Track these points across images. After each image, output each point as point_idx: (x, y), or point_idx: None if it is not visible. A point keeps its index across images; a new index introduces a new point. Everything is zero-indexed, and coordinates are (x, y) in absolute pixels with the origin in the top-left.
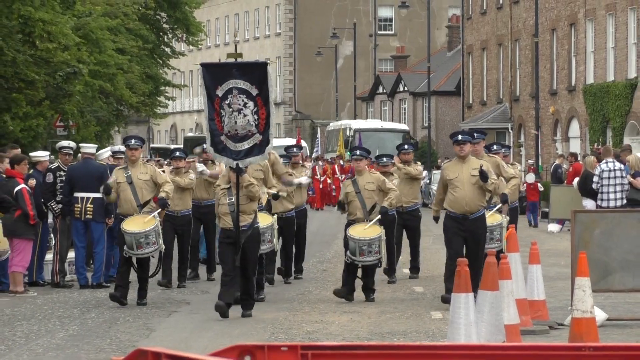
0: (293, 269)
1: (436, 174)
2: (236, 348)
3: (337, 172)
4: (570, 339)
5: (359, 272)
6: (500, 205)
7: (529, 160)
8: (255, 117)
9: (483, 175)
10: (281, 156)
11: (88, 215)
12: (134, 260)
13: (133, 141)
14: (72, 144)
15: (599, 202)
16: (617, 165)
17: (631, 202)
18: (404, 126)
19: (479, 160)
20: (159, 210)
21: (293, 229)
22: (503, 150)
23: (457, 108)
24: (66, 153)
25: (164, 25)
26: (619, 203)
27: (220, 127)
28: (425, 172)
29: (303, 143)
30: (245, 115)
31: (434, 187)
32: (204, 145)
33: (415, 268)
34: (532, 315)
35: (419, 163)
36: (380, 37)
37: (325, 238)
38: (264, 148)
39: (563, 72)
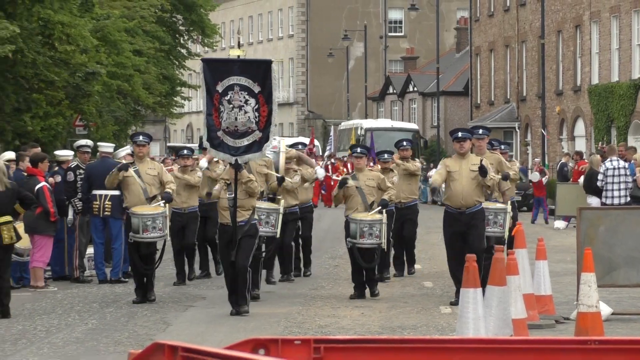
0: (294, 266)
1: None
2: (250, 342)
3: (349, 170)
4: (576, 332)
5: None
6: (500, 201)
7: (536, 159)
8: (256, 114)
9: (482, 171)
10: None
11: (106, 212)
12: (139, 258)
13: (141, 137)
14: (90, 142)
15: (603, 200)
16: (622, 163)
17: (636, 200)
18: (413, 125)
19: (478, 157)
20: (164, 204)
21: (295, 225)
22: (502, 147)
23: (465, 108)
24: (84, 152)
25: (180, 28)
26: (623, 200)
27: (217, 122)
28: (432, 171)
29: (316, 142)
30: (246, 112)
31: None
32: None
33: (410, 265)
34: (539, 309)
35: (417, 160)
36: (390, 38)
37: (337, 234)
38: (263, 145)
39: (569, 73)
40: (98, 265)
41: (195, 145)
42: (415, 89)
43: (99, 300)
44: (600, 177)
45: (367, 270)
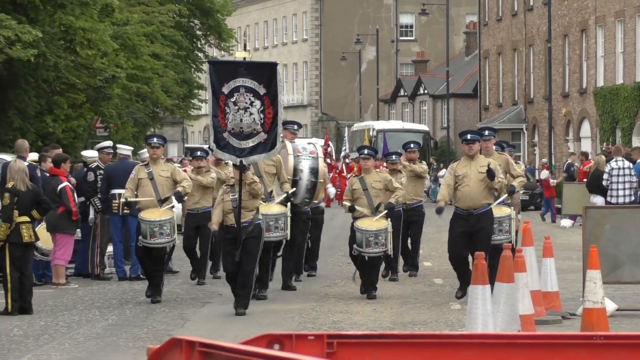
0: (305, 266)
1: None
2: (265, 337)
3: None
4: (582, 328)
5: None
6: (504, 196)
7: (543, 159)
8: (261, 116)
9: (490, 174)
10: None
11: (125, 211)
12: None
13: (155, 139)
14: (111, 144)
15: (608, 199)
16: (627, 163)
17: None
18: (424, 127)
19: (487, 158)
20: (173, 204)
21: (307, 225)
22: (508, 148)
23: (474, 110)
24: (107, 153)
25: (197, 32)
26: (627, 200)
27: (223, 124)
28: (442, 171)
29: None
30: (251, 114)
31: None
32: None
33: (414, 266)
34: (546, 306)
35: (423, 162)
36: (401, 42)
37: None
38: (268, 147)
39: (575, 76)
40: (117, 263)
41: (199, 146)
42: (426, 91)
43: (118, 297)
44: (605, 176)
45: (370, 274)
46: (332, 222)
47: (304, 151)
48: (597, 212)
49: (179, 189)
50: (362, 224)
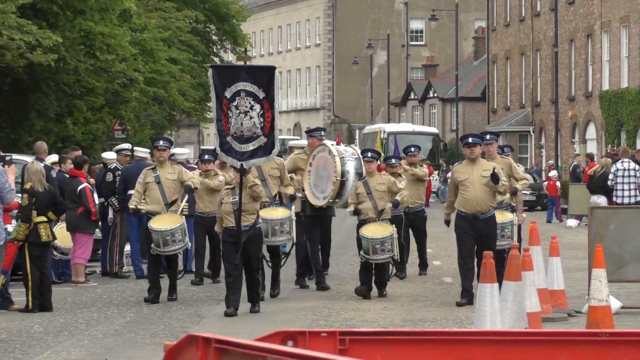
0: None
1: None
2: (279, 334)
3: None
4: (588, 325)
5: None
6: (506, 197)
7: (549, 161)
8: (261, 119)
9: (495, 177)
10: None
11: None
12: (163, 259)
13: (161, 142)
14: (130, 146)
15: (614, 199)
16: (632, 165)
17: None
18: (434, 129)
19: (489, 162)
20: (186, 197)
21: (316, 228)
22: (506, 150)
23: (482, 113)
24: (125, 154)
25: (213, 37)
26: (632, 200)
27: (226, 127)
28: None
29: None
30: (251, 118)
31: None
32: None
33: (423, 264)
34: (552, 303)
35: (424, 165)
36: (411, 47)
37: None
38: (268, 150)
39: (580, 80)
40: (135, 262)
41: (208, 148)
42: (435, 94)
43: (136, 294)
44: (610, 177)
45: (378, 274)
46: (343, 222)
47: (346, 153)
48: (602, 212)
49: (189, 182)
50: (367, 231)
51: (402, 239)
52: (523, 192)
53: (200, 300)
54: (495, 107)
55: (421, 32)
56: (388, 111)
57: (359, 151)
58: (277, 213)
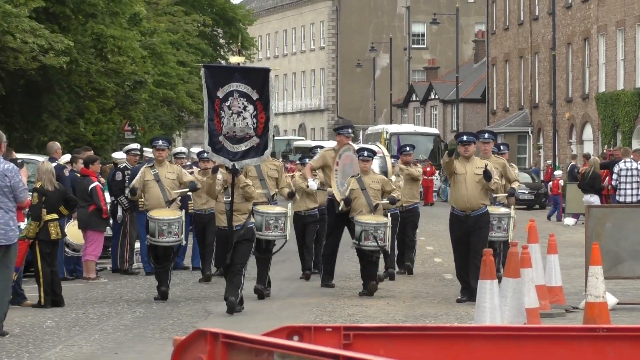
0: (314, 264)
1: None
2: (285, 329)
3: None
4: (585, 321)
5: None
6: (502, 195)
7: (547, 161)
8: (254, 120)
9: (487, 175)
10: (303, 157)
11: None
12: (158, 255)
13: (160, 142)
14: (139, 146)
15: (617, 197)
16: (635, 164)
17: None
18: (435, 130)
19: (483, 160)
20: (188, 191)
21: (315, 227)
22: (502, 147)
23: (482, 114)
24: (135, 154)
25: (221, 40)
26: (635, 198)
27: (219, 127)
28: None
29: None
30: (244, 118)
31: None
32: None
33: (408, 266)
34: (551, 299)
35: (418, 165)
36: (413, 50)
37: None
38: (261, 151)
39: (578, 82)
40: (144, 259)
41: None
42: (436, 96)
43: (145, 290)
44: (614, 176)
45: (369, 269)
46: None
47: None
48: (599, 211)
49: (193, 180)
50: (362, 217)
51: (407, 238)
52: (520, 191)
53: (208, 296)
54: (495, 108)
55: (423, 35)
56: (390, 112)
57: (384, 150)
58: (274, 208)
